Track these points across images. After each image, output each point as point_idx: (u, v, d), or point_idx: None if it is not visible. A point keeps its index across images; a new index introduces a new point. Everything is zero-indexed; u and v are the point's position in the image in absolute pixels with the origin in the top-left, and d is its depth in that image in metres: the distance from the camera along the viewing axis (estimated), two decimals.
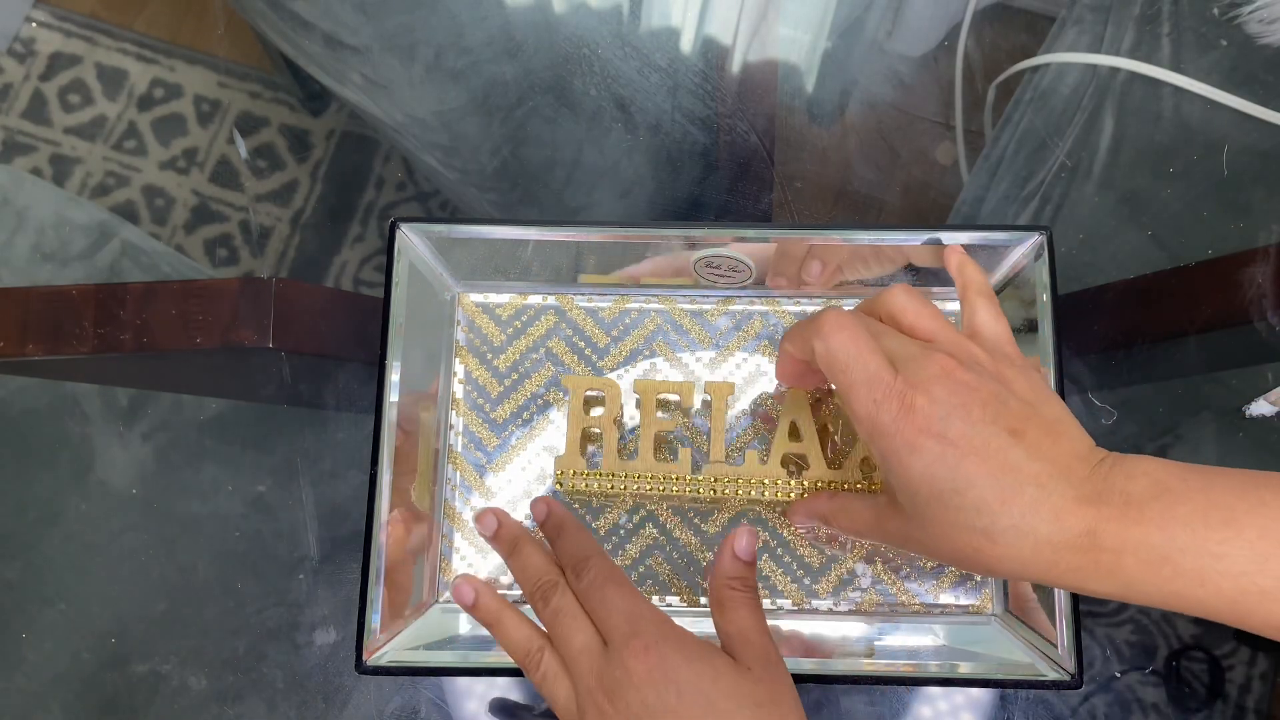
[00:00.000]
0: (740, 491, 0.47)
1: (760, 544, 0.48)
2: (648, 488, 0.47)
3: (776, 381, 0.50)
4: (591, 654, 0.39)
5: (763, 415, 0.50)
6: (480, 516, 0.45)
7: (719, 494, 0.47)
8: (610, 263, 0.49)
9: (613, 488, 0.47)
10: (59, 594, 0.59)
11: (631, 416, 0.50)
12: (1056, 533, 0.34)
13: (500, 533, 0.45)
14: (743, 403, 0.50)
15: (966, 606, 0.48)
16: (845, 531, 0.44)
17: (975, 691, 0.52)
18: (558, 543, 0.44)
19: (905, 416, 0.36)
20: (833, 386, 0.44)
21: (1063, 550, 0.34)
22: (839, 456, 0.49)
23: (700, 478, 0.47)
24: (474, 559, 0.49)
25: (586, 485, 0.47)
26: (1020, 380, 0.38)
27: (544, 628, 0.42)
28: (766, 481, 0.47)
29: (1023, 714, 0.52)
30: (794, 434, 0.48)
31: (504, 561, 0.45)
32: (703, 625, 0.42)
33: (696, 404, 0.49)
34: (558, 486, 0.47)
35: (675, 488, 0.47)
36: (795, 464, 0.48)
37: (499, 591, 0.44)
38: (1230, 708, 0.55)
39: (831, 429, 0.49)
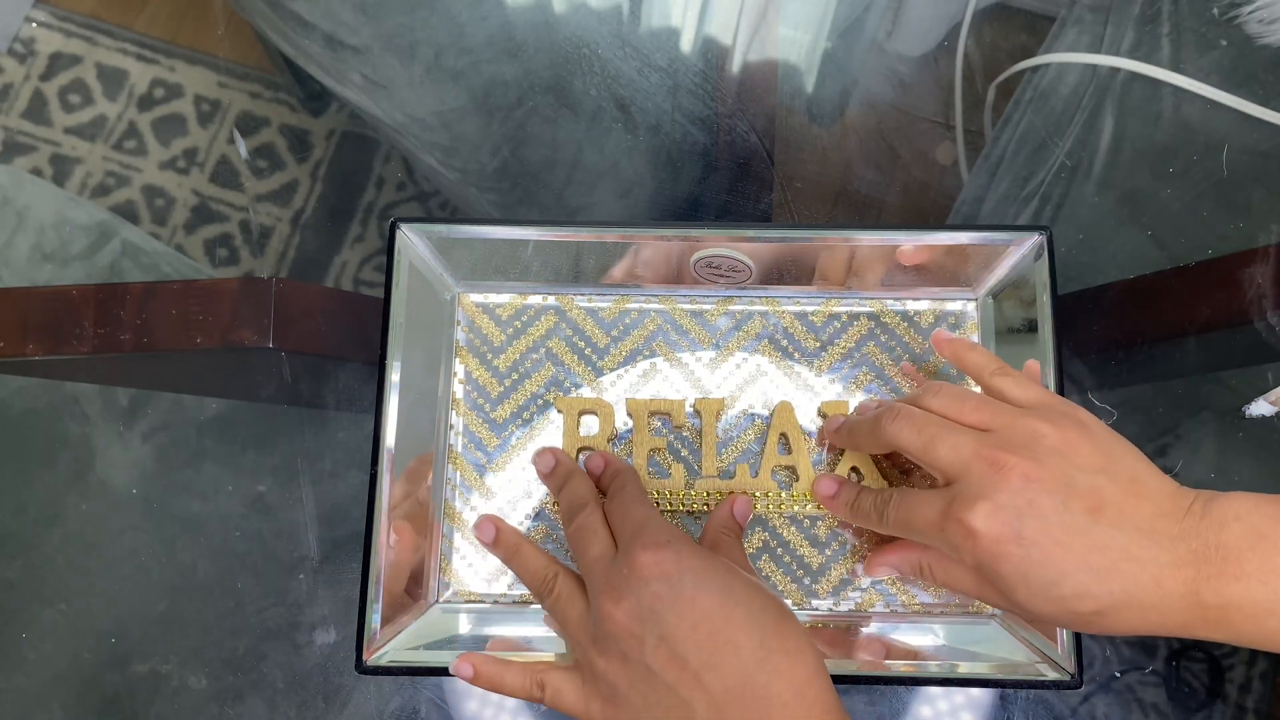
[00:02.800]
0: None
1: (759, 544, 0.48)
2: None
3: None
4: (603, 560, 0.40)
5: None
6: (478, 524, 0.46)
7: (711, 508, 0.48)
8: (610, 262, 0.49)
9: None
10: (59, 594, 0.59)
11: (625, 423, 0.50)
12: (1161, 599, 0.34)
13: (500, 539, 0.46)
14: (742, 404, 0.50)
15: (966, 606, 0.48)
16: (945, 586, 0.43)
17: (975, 691, 0.52)
18: (604, 478, 0.46)
19: (971, 535, 0.36)
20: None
21: (1170, 613, 0.34)
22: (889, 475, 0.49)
23: (693, 492, 0.48)
24: (474, 559, 0.49)
25: None
26: (1084, 444, 0.37)
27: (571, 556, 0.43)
28: (758, 494, 0.48)
29: (1023, 714, 0.52)
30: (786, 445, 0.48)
31: (509, 566, 0.46)
32: None
33: (686, 421, 0.49)
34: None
35: (669, 503, 0.48)
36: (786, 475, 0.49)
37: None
38: (1230, 708, 0.55)
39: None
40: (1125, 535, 0.35)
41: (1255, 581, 0.33)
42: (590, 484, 0.46)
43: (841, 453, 0.48)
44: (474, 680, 0.42)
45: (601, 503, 0.44)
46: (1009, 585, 0.36)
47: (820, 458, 0.49)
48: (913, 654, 0.46)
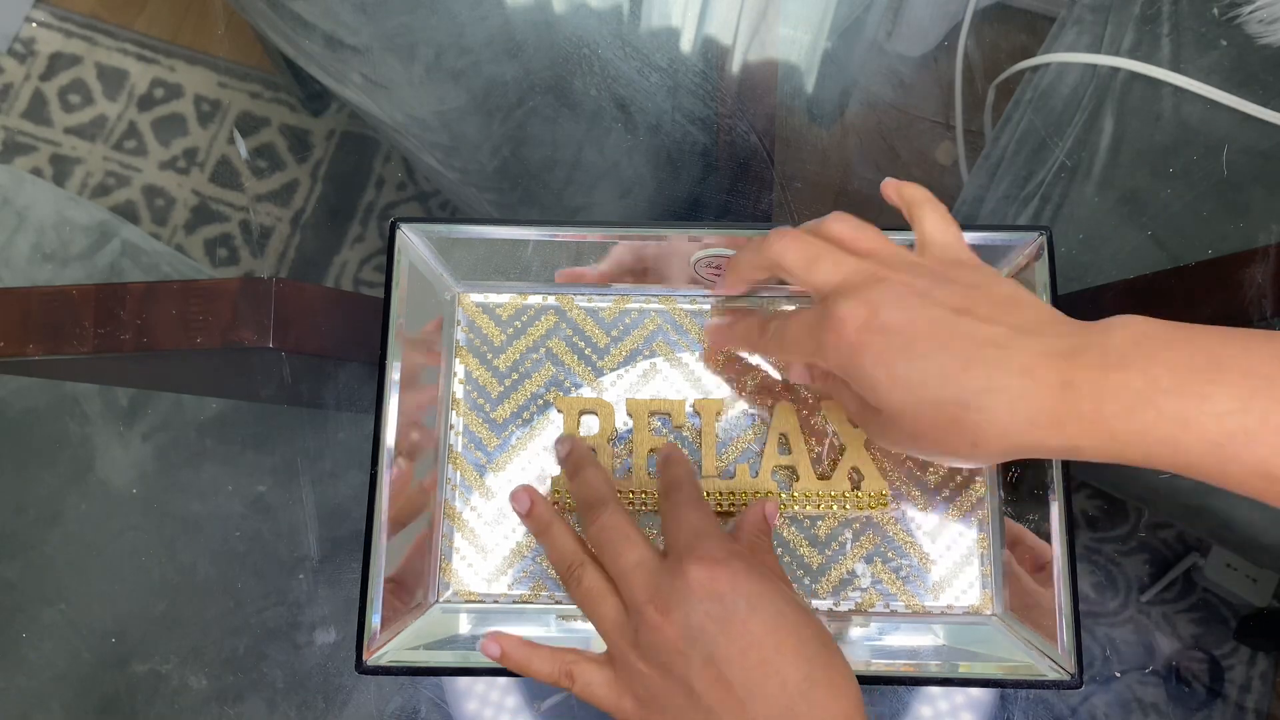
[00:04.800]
0: (733, 506, 0.48)
1: None
2: (642, 504, 0.48)
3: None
4: (646, 569, 0.39)
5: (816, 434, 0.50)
6: (515, 494, 0.46)
7: (711, 508, 0.47)
8: (610, 263, 0.49)
9: None
10: (59, 594, 0.59)
11: (625, 422, 0.50)
12: (1030, 388, 0.33)
13: (533, 511, 0.45)
14: (742, 404, 0.50)
15: (966, 606, 0.48)
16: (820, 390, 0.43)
17: (975, 691, 0.52)
18: (662, 471, 0.45)
19: (836, 326, 0.36)
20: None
21: (1041, 406, 0.33)
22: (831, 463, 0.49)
23: None
24: (474, 559, 0.49)
25: None
26: (970, 274, 0.37)
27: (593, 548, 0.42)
28: (758, 494, 0.48)
29: (1023, 714, 0.52)
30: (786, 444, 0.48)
31: (537, 539, 0.46)
32: None
33: (686, 421, 0.49)
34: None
35: None
36: (786, 475, 0.49)
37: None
38: (1230, 708, 0.55)
39: (820, 438, 0.49)
40: (993, 328, 0.34)
41: (1135, 372, 0.31)
42: (606, 477, 0.44)
43: (843, 451, 0.48)
44: (501, 660, 0.42)
45: (620, 501, 0.43)
46: (870, 381, 0.36)
47: (821, 458, 0.49)
48: (913, 654, 0.46)
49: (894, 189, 0.44)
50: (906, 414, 0.35)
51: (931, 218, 0.41)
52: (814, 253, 0.39)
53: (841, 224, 0.41)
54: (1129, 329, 0.33)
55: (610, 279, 0.50)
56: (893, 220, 0.44)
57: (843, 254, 0.39)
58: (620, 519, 0.41)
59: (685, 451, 0.48)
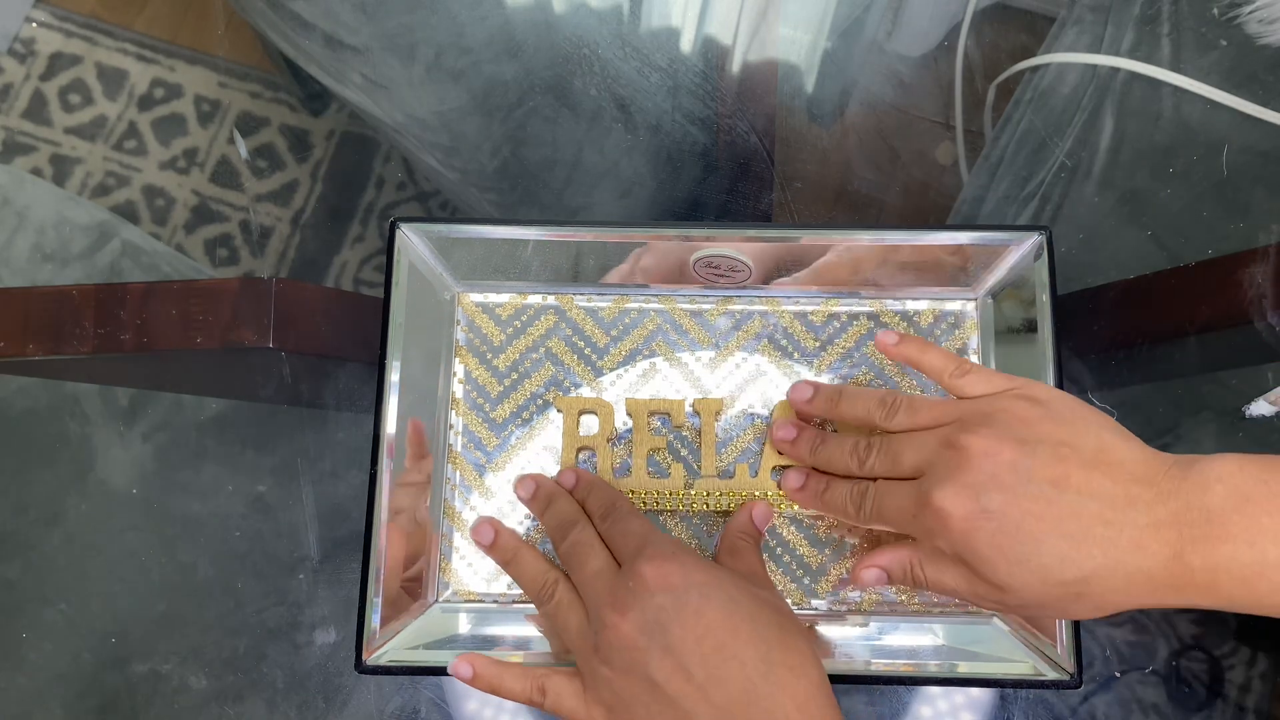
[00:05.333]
0: (733, 505, 0.48)
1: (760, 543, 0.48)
2: (641, 504, 0.48)
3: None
4: (604, 575, 0.40)
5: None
6: (476, 527, 0.46)
7: (710, 508, 0.48)
8: (610, 262, 0.49)
9: None
10: (59, 594, 0.59)
11: (624, 422, 0.50)
12: (1144, 561, 0.34)
13: (498, 542, 0.46)
14: (741, 404, 0.50)
15: (966, 606, 0.48)
16: (933, 590, 0.41)
17: (975, 691, 0.52)
18: (589, 500, 0.45)
19: (940, 517, 0.36)
20: None
21: (1158, 578, 0.34)
22: None
23: (692, 492, 0.48)
24: (474, 559, 0.49)
25: None
26: (1044, 418, 0.37)
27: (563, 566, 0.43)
28: (757, 494, 0.48)
29: (1023, 714, 0.52)
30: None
31: (506, 570, 0.46)
32: None
33: (686, 421, 0.49)
34: None
35: (668, 503, 0.48)
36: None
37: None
38: (1230, 708, 0.55)
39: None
40: (1096, 503, 0.34)
41: (1242, 544, 0.32)
42: (575, 503, 0.45)
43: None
44: (473, 682, 0.42)
45: (591, 522, 0.44)
46: (989, 564, 0.36)
47: None
48: (912, 653, 0.46)
49: (903, 357, 0.44)
50: (1029, 592, 0.36)
51: (972, 384, 0.41)
52: (895, 449, 0.40)
53: (901, 416, 0.41)
54: (1226, 485, 0.33)
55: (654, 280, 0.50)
56: (892, 219, 0.44)
57: (917, 437, 0.40)
58: (588, 534, 0.42)
59: (587, 471, 0.48)
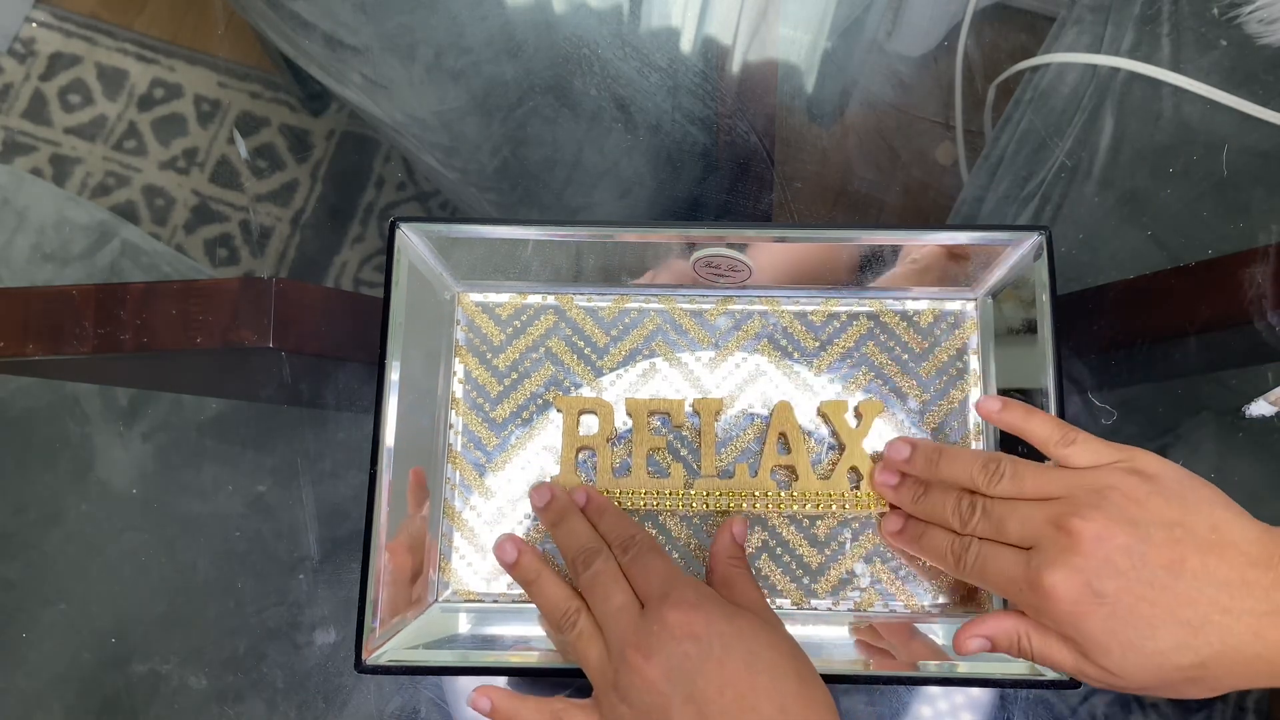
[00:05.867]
0: (732, 505, 0.48)
1: (759, 544, 0.48)
2: (641, 504, 0.48)
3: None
4: (628, 613, 0.40)
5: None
6: (499, 544, 0.46)
7: (710, 507, 0.48)
8: (610, 262, 0.49)
9: None
10: (59, 594, 0.59)
11: (624, 422, 0.50)
12: (1264, 649, 0.34)
13: (520, 562, 0.45)
14: (741, 403, 0.50)
15: (964, 606, 0.48)
16: (1040, 663, 0.40)
17: (975, 691, 0.52)
18: (601, 524, 0.45)
19: (1049, 596, 0.36)
20: None
21: (1276, 663, 0.34)
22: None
23: (692, 492, 0.48)
24: (473, 558, 0.49)
25: None
26: (1155, 496, 0.37)
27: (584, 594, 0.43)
28: (757, 494, 0.48)
29: (1023, 714, 0.52)
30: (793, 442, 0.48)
31: (524, 590, 0.46)
32: None
33: (686, 421, 0.49)
34: None
35: (668, 503, 0.48)
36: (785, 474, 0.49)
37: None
38: (1230, 708, 0.55)
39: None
40: (1213, 589, 0.35)
41: None
42: (590, 525, 0.45)
43: (842, 451, 0.49)
44: (491, 714, 0.42)
45: (608, 549, 0.44)
46: (1100, 647, 0.36)
47: (820, 458, 0.49)
48: (912, 653, 0.46)
49: (1007, 424, 0.43)
50: (1143, 676, 0.36)
51: (1078, 454, 0.40)
52: (997, 519, 0.40)
53: (1005, 483, 0.41)
54: None
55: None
56: (892, 219, 0.44)
57: (1021, 508, 0.39)
58: (611, 565, 0.42)
59: (602, 495, 0.47)
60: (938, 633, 0.47)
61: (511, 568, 0.45)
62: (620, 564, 0.43)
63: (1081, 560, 0.36)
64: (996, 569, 0.39)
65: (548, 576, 0.44)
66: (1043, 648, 0.39)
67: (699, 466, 0.49)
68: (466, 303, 0.51)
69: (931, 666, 0.44)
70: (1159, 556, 0.35)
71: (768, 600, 0.48)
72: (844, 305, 0.51)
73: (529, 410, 0.50)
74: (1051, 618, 0.37)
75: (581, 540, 0.44)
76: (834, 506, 0.48)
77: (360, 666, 0.44)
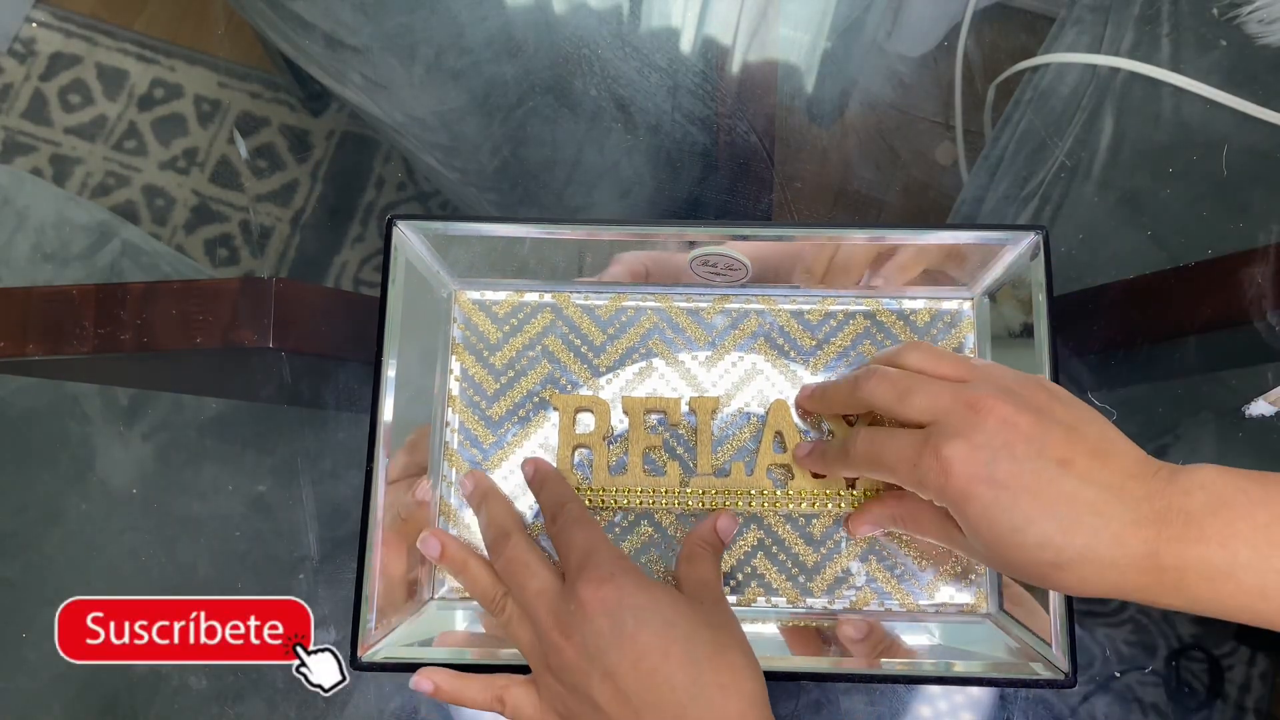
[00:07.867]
0: (728, 503, 0.48)
1: (755, 542, 0.48)
2: (637, 502, 0.48)
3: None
4: (547, 595, 0.41)
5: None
6: (423, 539, 0.46)
7: (706, 506, 0.48)
8: (608, 261, 0.49)
9: (603, 503, 0.48)
10: (59, 594, 0.59)
11: (621, 420, 0.50)
12: (1120, 556, 0.35)
13: (445, 553, 0.46)
14: (738, 402, 0.50)
15: (961, 605, 0.48)
16: (916, 535, 0.45)
17: (975, 691, 0.52)
18: (540, 495, 0.46)
19: (945, 467, 0.37)
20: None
21: (1128, 571, 0.35)
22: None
23: (688, 490, 0.48)
24: None
25: None
26: (1055, 401, 0.38)
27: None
28: (753, 492, 0.48)
29: (1022, 714, 0.52)
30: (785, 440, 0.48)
31: (457, 580, 0.47)
32: None
33: (682, 419, 0.49)
34: None
35: (664, 501, 0.48)
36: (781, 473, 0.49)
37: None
38: (1230, 708, 0.55)
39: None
40: (1093, 490, 0.35)
41: (1214, 545, 0.34)
42: (508, 506, 0.46)
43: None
44: (435, 694, 0.43)
45: (526, 528, 0.45)
46: (973, 527, 0.37)
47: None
48: (909, 653, 0.46)
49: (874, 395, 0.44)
50: (1002, 558, 0.37)
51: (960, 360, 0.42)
52: (904, 387, 0.41)
53: (920, 355, 0.42)
54: (1208, 491, 0.35)
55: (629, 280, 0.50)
56: (892, 219, 0.44)
57: (934, 383, 0.40)
58: (522, 550, 0.43)
59: (549, 462, 0.48)
60: (933, 631, 0.47)
61: (440, 559, 0.46)
62: (549, 533, 0.44)
63: (984, 438, 0.37)
64: (892, 448, 0.40)
65: (474, 564, 0.45)
66: (914, 522, 0.43)
67: (695, 465, 0.49)
68: (464, 300, 0.51)
69: (927, 665, 0.44)
70: (1055, 451, 0.36)
71: (762, 598, 0.48)
72: (840, 304, 0.51)
73: (525, 408, 0.50)
74: (937, 489, 0.38)
75: (495, 523, 0.45)
76: (829, 505, 0.48)
77: (356, 663, 0.44)
